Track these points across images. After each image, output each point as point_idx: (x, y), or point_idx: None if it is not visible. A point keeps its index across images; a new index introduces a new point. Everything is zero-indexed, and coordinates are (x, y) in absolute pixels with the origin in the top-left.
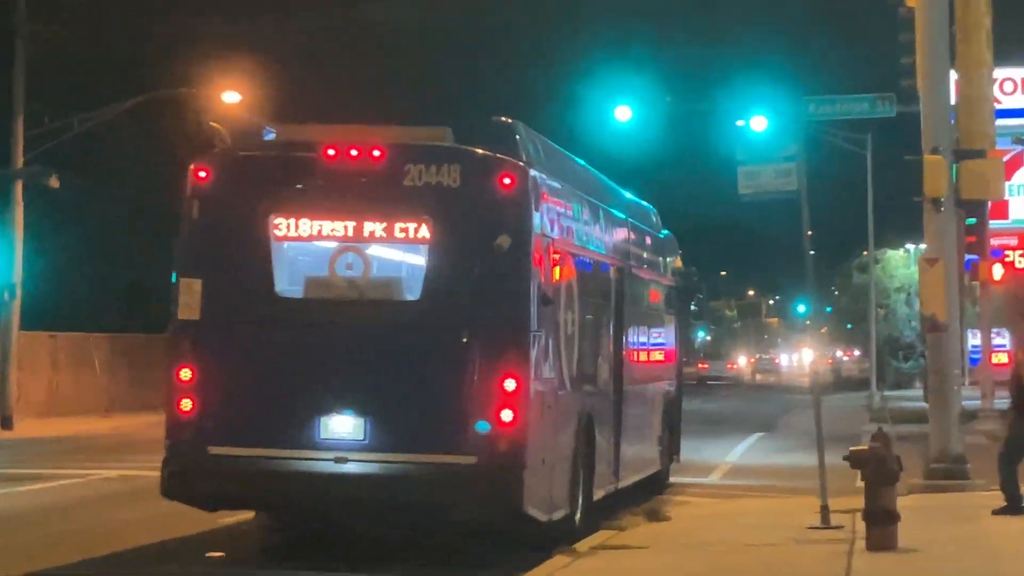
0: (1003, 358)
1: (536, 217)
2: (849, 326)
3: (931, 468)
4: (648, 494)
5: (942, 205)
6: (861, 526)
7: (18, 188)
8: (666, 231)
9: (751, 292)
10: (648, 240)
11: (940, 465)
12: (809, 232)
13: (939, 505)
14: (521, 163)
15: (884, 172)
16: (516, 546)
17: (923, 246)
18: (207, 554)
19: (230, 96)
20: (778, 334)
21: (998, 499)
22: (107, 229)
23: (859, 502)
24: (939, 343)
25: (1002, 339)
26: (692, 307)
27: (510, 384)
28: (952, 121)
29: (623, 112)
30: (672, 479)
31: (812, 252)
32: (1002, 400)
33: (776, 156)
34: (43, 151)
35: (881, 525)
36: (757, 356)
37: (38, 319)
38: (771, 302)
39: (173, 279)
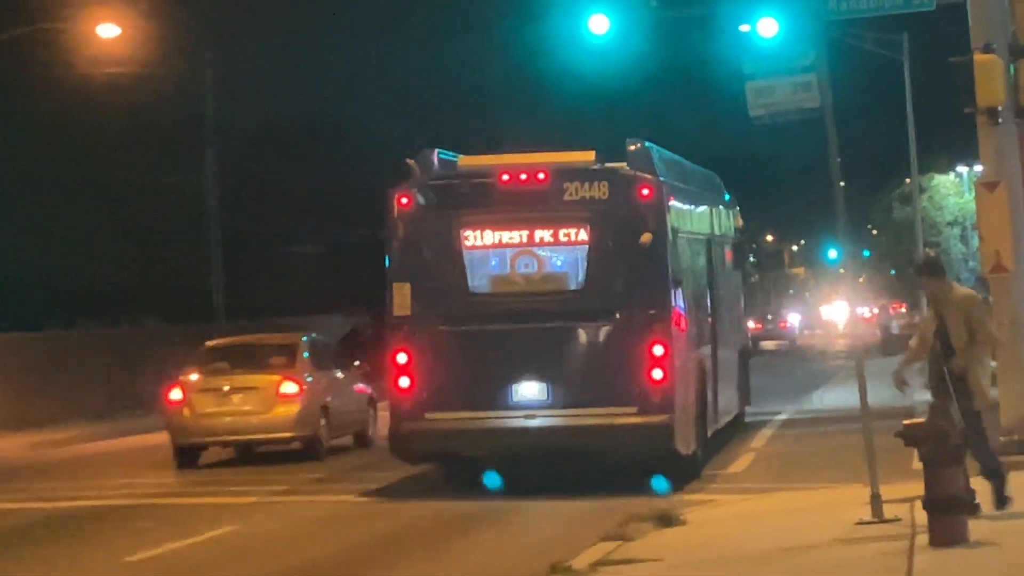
0: None
1: (667, 217)
2: (893, 272)
3: (1003, 441)
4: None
5: (999, 116)
6: (921, 517)
7: None
8: (728, 194)
9: (769, 237)
10: (720, 208)
11: (1015, 436)
12: (838, 159)
13: (1017, 486)
14: (654, 176)
15: (925, 80)
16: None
17: (979, 168)
18: None
19: (107, 30)
20: (806, 287)
21: None
22: None
23: (918, 488)
24: (1006, 286)
25: None
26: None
27: (658, 349)
28: (1007, 4)
29: (599, 22)
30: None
31: (842, 184)
32: None
33: (792, 66)
34: None
35: (946, 515)
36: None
37: None
38: (795, 248)
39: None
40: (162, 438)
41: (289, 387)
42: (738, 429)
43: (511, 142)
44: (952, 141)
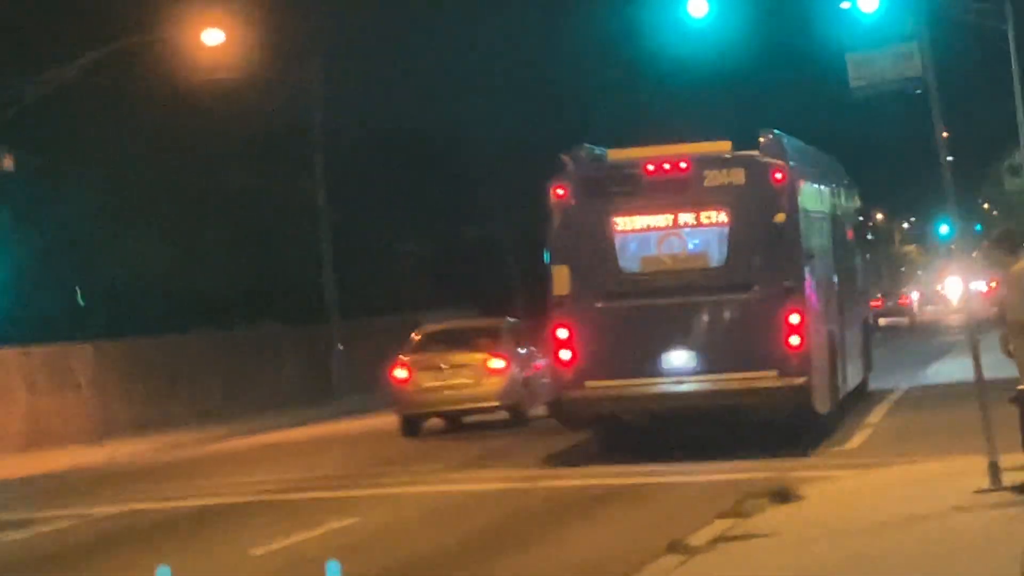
0: None
1: (798, 198)
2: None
3: None
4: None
5: None
6: None
7: None
8: (847, 177)
9: (879, 216)
10: (842, 190)
11: None
12: (945, 133)
13: None
14: (785, 161)
15: None
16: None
17: None
18: None
19: (212, 36)
20: (918, 264)
21: None
22: (81, 218)
23: None
24: None
25: None
26: (868, 237)
27: (794, 318)
28: None
29: (698, 5)
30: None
31: (951, 158)
32: None
33: (892, 37)
34: None
35: None
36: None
37: (5, 334)
38: (905, 226)
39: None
40: (281, 436)
41: (497, 363)
42: (863, 396)
43: (614, 131)
44: None
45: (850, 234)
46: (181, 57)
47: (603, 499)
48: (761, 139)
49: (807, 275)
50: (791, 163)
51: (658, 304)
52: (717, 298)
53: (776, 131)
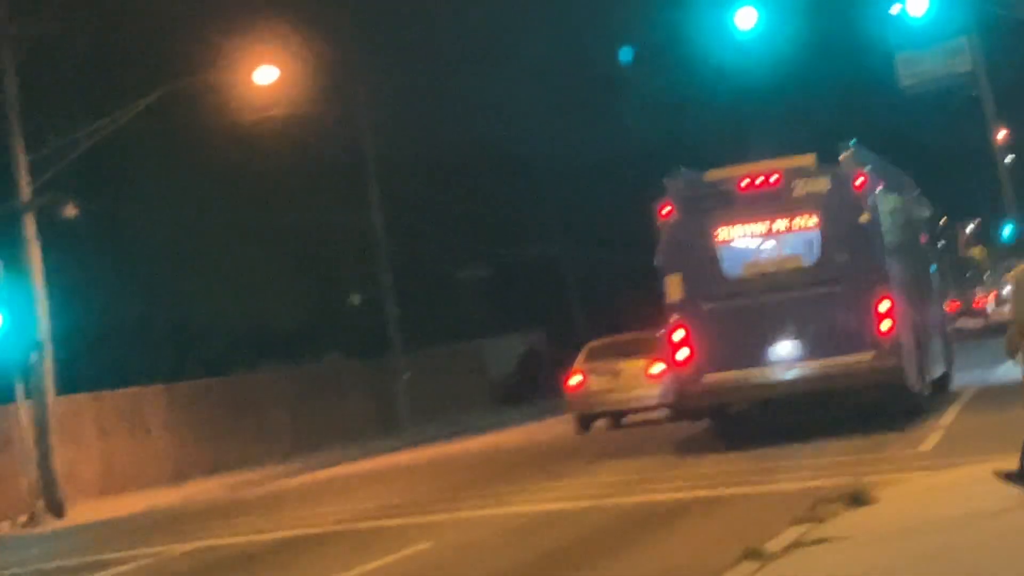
0: None
1: (878, 202)
2: None
3: None
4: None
5: None
6: None
7: (30, 224)
8: (918, 189)
9: (943, 219)
10: (913, 196)
11: None
12: (1005, 130)
13: None
14: (864, 169)
15: None
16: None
17: None
18: None
19: (265, 74)
20: (985, 267)
21: None
22: (142, 260)
23: None
24: None
25: None
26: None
27: (884, 305)
28: None
29: (746, 16)
30: (870, 457)
31: (1013, 155)
32: None
33: (943, 39)
34: (51, 176)
35: None
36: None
37: (76, 379)
38: (969, 228)
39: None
40: (350, 469)
41: (656, 368)
42: (946, 389)
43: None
44: None
45: (923, 238)
46: (233, 96)
47: (677, 512)
48: (842, 150)
49: (891, 268)
50: (869, 170)
51: (761, 302)
52: (813, 293)
53: (855, 141)
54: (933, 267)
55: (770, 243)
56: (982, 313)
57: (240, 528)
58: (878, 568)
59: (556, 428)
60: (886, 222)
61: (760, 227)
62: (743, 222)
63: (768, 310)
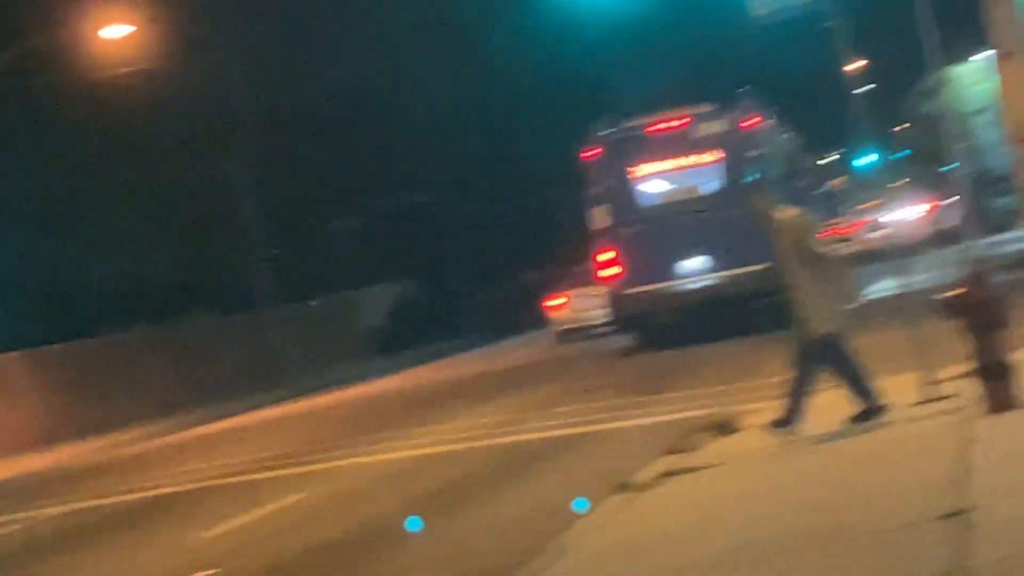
0: None
1: (764, 140)
2: (941, 169)
3: None
4: None
5: None
6: (977, 391)
7: None
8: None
9: (813, 154)
10: (791, 136)
11: None
12: (863, 61)
13: None
14: (755, 112)
15: None
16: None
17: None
18: None
19: (118, 30)
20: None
21: None
22: (9, 221)
23: (969, 366)
24: None
25: None
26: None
27: None
28: None
29: None
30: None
31: (872, 85)
32: None
33: None
34: None
35: (999, 380)
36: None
37: None
38: (832, 159)
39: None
40: (226, 424)
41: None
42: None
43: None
44: (972, 29)
45: (796, 164)
46: (89, 55)
47: (550, 450)
48: (736, 98)
49: (779, 194)
50: (759, 113)
51: (672, 225)
52: (716, 216)
53: (747, 88)
54: (809, 195)
55: (680, 176)
56: (852, 237)
57: (112, 488)
58: (744, 493)
59: (432, 375)
60: (773, 153)
61: (671, 163)
62: (657, 159)
63: (679, 232)
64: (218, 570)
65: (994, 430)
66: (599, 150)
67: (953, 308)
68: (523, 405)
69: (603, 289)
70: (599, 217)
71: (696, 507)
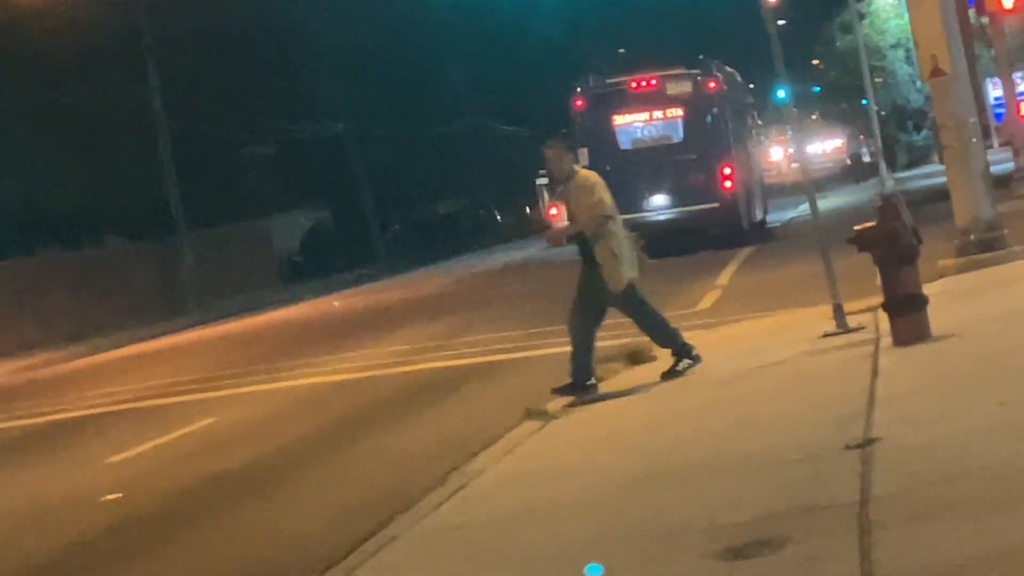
0: None
1: (724, 98)
2: (844, 105)
3: (961, 243)
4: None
5: None
6: (885, 323)
7: None
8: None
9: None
10: (746, 91)
11: (971, 236)
12: None
13: (976, 283)
14: (715, 76)
15: None
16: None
17: None
18: None
19: None
20: (765, 131)
21: None
22: None
23: (880, 299)
24: (946, 90)
25: None
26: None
27: (726, 171)
28: None
29: None
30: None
31: (782, 22)
32: None
33: None
34: None
35: (906, 313)
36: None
37: None
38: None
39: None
40: (136, 350)
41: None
42: (763, 226)
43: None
44: None
45: (750, 120)
46: None
47: (461, 379)
48: (700, 62)
49: (731, 145)
50: (718, 76)
51: (643, 167)
52: (679, 161)
53: (705, 57)
54: (756, 139)
55: (651, 126)
56: (776, 169)
57: (18, 412)
58: (651, 422)
59: (344, 303)
60: (728, 111)
61: (644, 115)
62: (632, 112)
63: (648, 173)
64: (122, 494)
65: (900, 363)
66: (583, 102)
67: (863, 241)
68: (436, 333)
69: None
70: (582, 157)
71: (602, 436)
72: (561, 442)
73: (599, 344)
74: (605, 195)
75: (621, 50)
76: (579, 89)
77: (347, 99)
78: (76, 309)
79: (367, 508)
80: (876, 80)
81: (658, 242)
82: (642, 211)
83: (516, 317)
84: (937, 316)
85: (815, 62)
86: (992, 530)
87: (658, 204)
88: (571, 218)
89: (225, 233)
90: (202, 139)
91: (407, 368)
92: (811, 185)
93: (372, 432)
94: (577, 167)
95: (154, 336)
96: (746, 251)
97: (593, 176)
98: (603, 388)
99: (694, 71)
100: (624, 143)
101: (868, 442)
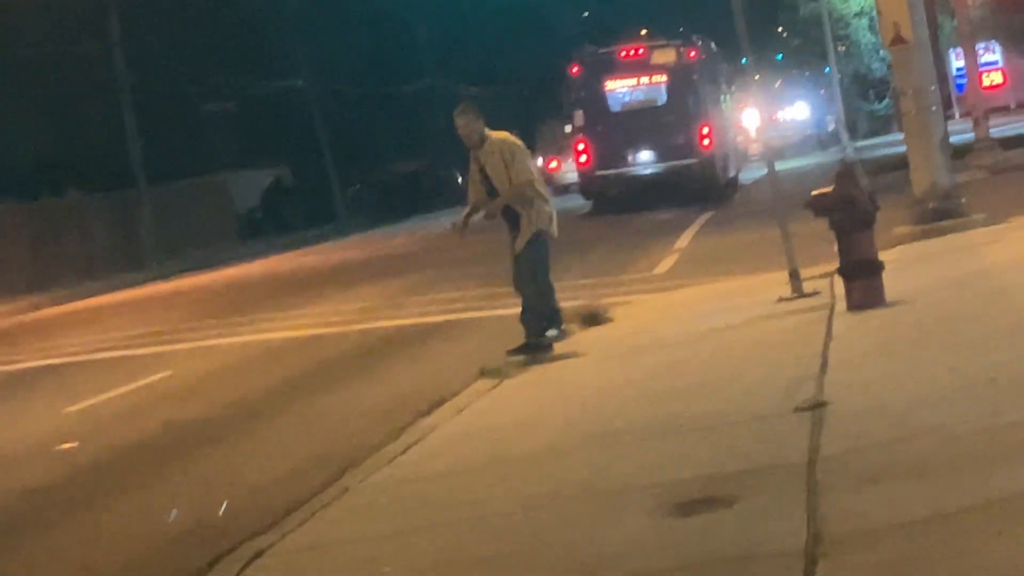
0: (997, 78)
1: (704, 67)
2: (807, 73)
3: (918, 211)
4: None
5: None
6: (840, 287)
7: None
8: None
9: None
10: (722, 62)
11: (928, 204)
12: None
13: (932, 251)
14: (696, 46)
15: None
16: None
17: None
18: None
19: None
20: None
21: (1000, 235)
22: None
23: (836, 265)
24: (907, 58)
25: (993, 55)
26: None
27: (705, 130)
28: None
29: None
30: (617, 280)
31: None
32: (999, 128)
33: None
34: None
35: (861, 278)
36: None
37: None
38: None
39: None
40: (93, 303)
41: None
42: (736, 183)
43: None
44: None
45: (724, 87)
46: None
47: (419, 337)
48: (682, 35)
49: (708, 107)
50: (698, 46)
51: (632, 125)
52: (663, 119)
53: (690, 32)
54: (731, 103)
55: (638, 91)
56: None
57: None
58: (604, 383)
59: (303, 260)
60: (706, 79)
61: (632, 81)
62: (623, 78)
63: (635, 132)
64: (78, 443)
65: (854, 328)
66: (578, 68)
67: (820, 206)
68: (396, 292)
69: (578, 169)
70: (577, 117)
71: (555, 396)
72: (514, 401)
73: (561, 305)
74: (526, 160)
75: (585, 13)
76: (575, 57)
77: (310, 56)
78: (34, 261)
79: (321, 462)
80: (839, 48)
81: (634, 198)
82: (629, 166)
83: (476, 277)
84: (892, 283)
85: (779, 29)
86: (939, 492)
87: (643, 160)
88: (494, 185)
89: (185, 188)
90: (163, 94)
91: (365, 326)
92: (771, 152)
93: (328, 387)
94: (488, 132)
95: (112, 289)
96: (706, 215)
97: (510, 140)
98: (559, 348)
99: (676, 42)
100: (614, 106)
101: (819, 405)
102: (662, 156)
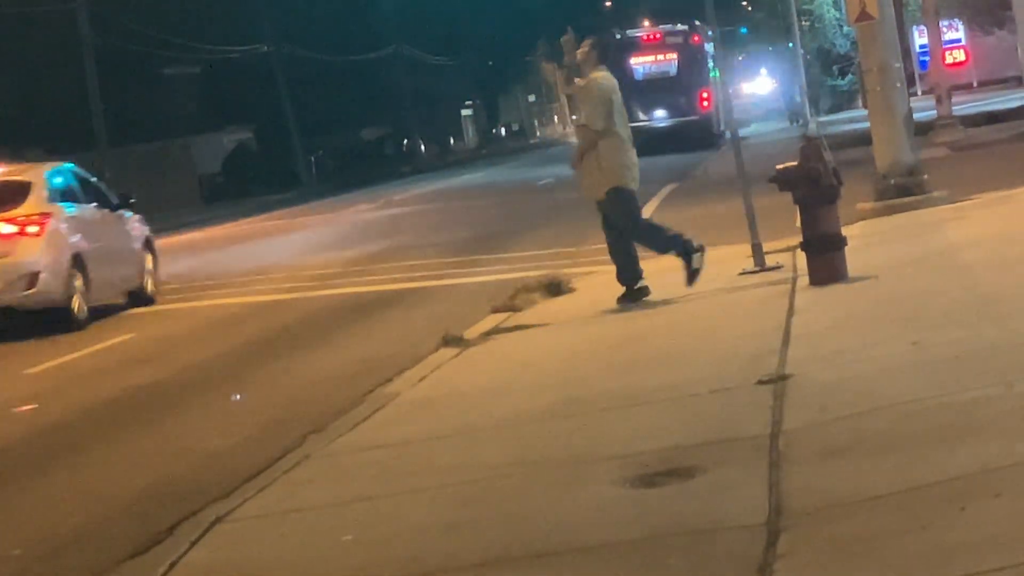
0: (959, 56)
1: (703, 47)
2: (770, 48)
3: (880, 187)
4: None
5: None
6: (803, 261)
7: None
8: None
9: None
10: (711, 43)
11: (891, 181)
12: None
13: (894, 227)
14: (698, 32)
15: None
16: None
17: None
18: None
19: None
20: None
21: (961, 212)
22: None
23: (799, 239)
24: (871, 34)
25: (956, 32)
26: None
27: (705, 95)
28: None
29: None
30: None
31: None
32: (961, 106)
33: None
34: None
35: (824, 253)
36: None
37: None
38: None
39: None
40: None
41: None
42: (716, 143)
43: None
44: None
45: (715, 62)
46: None
47: (383, 304)
48: (688, 23)
49: (707, 79)
50: (700, 32)
51: (650, 91)
52: (674, 88)
53: (695, 20)
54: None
55: (656, 65)
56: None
57: None
58: (566, 353)
59: (265, 225)
60: (705, 56)
61: (651, 57)
62: (644, 55)
63: (653, 95)
64: (37, 405)
65: (816, 302)
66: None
67: (784, 180)
68: (361, 258)
69: None
70: None
71: (518, 365)
72: (477, 369)
73: (515, 275)
74: (600, 107)
75: None
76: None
77: (275, 21)
78: None
79: (282, 427)
80: (803, 23)
81: (652, 146)
82: (648, 121)
83: (443, 244)
84: (854, 258)
85: (744, 2)
86: (900, 465)
87: (658, 116)
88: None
89: (146, 151)
90: (127, 57)
91: (329, 291)
92: (734, 124)
93: (291, 353)
94: (593, 72)
95: None
96: (668, 188)
97: (596, 81)
98: (521, 318)
99: (684, 28)
100: (638, 76)
101: (781, 378)
102: (672, 113)
